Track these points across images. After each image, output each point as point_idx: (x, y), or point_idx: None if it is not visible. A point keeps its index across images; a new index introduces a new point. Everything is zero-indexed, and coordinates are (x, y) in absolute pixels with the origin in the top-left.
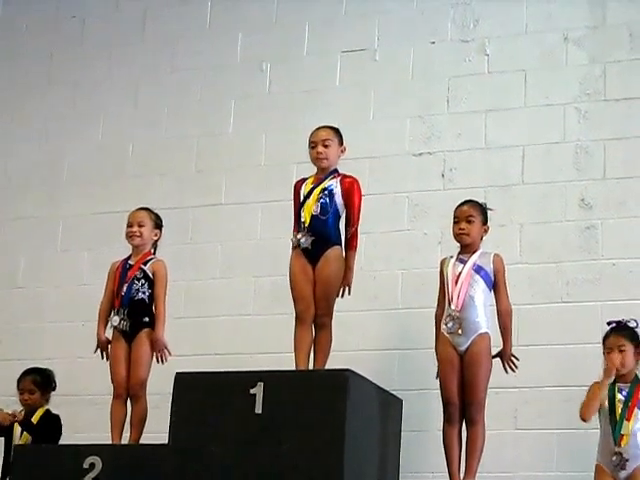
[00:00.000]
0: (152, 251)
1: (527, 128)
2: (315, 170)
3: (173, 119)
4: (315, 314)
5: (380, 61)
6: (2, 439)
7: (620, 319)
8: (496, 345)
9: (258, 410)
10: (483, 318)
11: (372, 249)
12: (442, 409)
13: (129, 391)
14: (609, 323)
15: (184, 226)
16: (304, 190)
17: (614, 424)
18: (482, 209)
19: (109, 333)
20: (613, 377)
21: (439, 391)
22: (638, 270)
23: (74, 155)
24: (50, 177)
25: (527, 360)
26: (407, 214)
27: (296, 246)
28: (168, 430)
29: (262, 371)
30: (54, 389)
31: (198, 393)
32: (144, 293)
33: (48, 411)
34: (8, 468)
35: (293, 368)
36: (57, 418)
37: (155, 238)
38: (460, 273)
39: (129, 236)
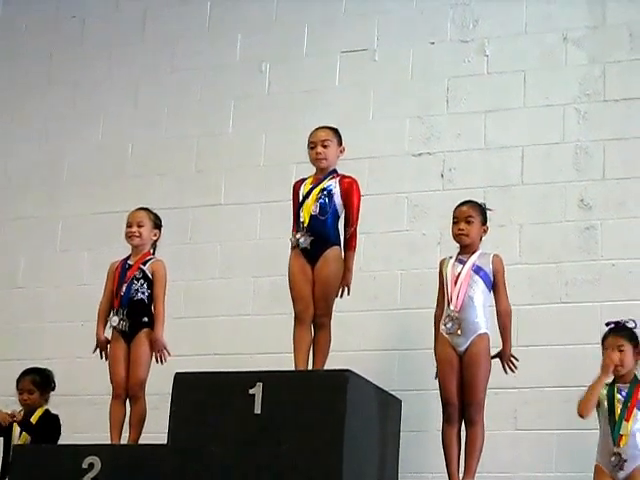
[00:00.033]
0: (151, 251)
1: (527, 128)
2: (314, 170)
3: (173, 119)
4: (314, 314)
5: (379, 61)
6: (1, 439)
7: (618, 320)
8: (495, 345)
9: (257, 410)
10: (482, 318)
11: (371, 249)
12: (441, 409)
13: (128, 391)
14: (608, 324)
15: (183, 226)
16: (303, 190)
17: (613, 424)
18: (481, 209)
19: (108, 333)
20: (610, 373)
21: (438, 391)
22: (637, 271)
23: (74, 155)
24: (50, 177)
25: (527, 360)
26: (406, 214)
27: (295, 246)
28: (167, 430)
29: (261, 371)
30: (53, 389)
31: (197, 393)
32: (143, 293)
33: (47, 411)
34: (7, 468)
35: (292, 368)
36: (56, 418)
37: (154, 238)
38: (459, 274)
39: (128, 236)
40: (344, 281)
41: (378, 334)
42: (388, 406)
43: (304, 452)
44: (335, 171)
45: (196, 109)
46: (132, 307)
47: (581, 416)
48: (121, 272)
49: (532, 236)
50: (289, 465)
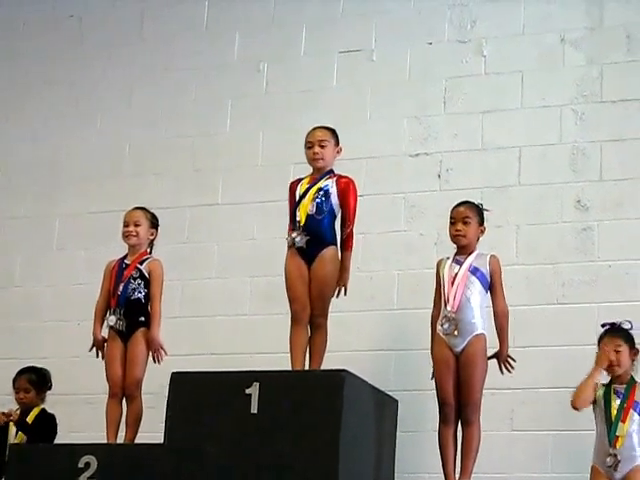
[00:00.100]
0: (148, 251)
1: (524, 129)
2: (311, 170)
3: (170, 119)
4: (310, 314)
5: (377, 62)
6: None
7: (614, 321)
8: (492, 346)
9: (254, 410)
10: (479, 319)
11: (368, 250)
12: (438, 410)
13: (125, 390)
14: (603, 325)
15: (180, 226)
16: (300, 190)
17: (609, 425)
18: (478, 210)
19: (105, 332)
20: (604, 366)
21: (435, 392)
22: (634, 272)
23: (71, 154)
24: (47, 176)
25: (523, 361)
26: (403, 215)
27: (291, 245)
28: (163, 430)
29: (258, 371)
30: (50, 388)
31: (194, 393)
32: (140, 293)
33: (43, 410)
34: (3, 467)
35: (289, 368)
36: (52, 417)
37: (151, 238)
38: (456, 274)
39: (125, 236)
40: (341, 281)
41: (375, 334)
42: (384, 406)
43: (300, 452)
44: (332, 171)
45: (193, 109)
46: (129, 306)
47: (575, 408)
48: (118, 271)
49: (529, 237)
50: (285, 465)
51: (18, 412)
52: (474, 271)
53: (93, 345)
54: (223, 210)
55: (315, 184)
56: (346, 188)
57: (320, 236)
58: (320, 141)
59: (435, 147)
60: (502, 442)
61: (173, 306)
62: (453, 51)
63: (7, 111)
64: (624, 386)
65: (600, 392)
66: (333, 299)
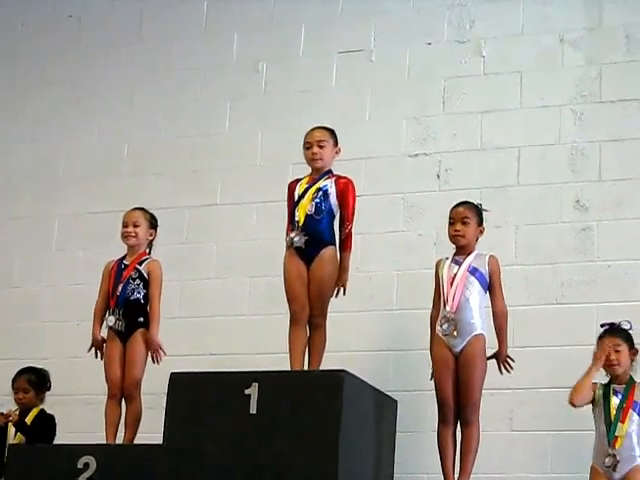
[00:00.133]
0: (147, 251)
1: (523, 129)
2: (310, 171)
3: (169, 119)
4: (309, 314)
5: (376, 62)
6: None
7: (613, 321)
8: (491, 346)
9: (253, 410)
10: (478, 319)
11: (368, 250)
12: (437, 410)
13: (124, 391)
14: (603, 325)
15: (179, 226)
16: (299, 190)
17: (608, 426)
18: (477, 210)
19: (104, 333)
20: (602, 362)
21: (434, 392)
22: (633, 272)
23: (70, 154)
24: (46, 176)
25: (522, 361)
26: (402, 215)
27: (290, 245)
28: (163, 430)
29: (257, 371)
30: (49, 389)
31: (193, 393)
32: (139, 293)
33: (42, 411)
34: (2, 468)
35: (288, 368)
36: (51, 418)
37: (150, 238)
38: (455, 275)
39: (124, 236)
40: (340, 281)
41: (374, 334)
42: (384, 406)
43: (300, 452)
44: (330, 171)
45: (192, 109)
46: (128, 307)
47: (572, 405)
48: (117, 272)
49: (528, 237)
50: (285, 465)
51: (17, 413)
52: (473, 271)
53: (92, 345)
54: (222, 210)
55: (314, 184)
56: (345, 188)
57: (319, 236)
58: (319, 141)
59: (434, 147)
60: (501, 442)
61: (172, 306)
62: (452, 51)
63: (7, 111)
64: (623, 386)
65: (599, 392)
66: (332, 299)
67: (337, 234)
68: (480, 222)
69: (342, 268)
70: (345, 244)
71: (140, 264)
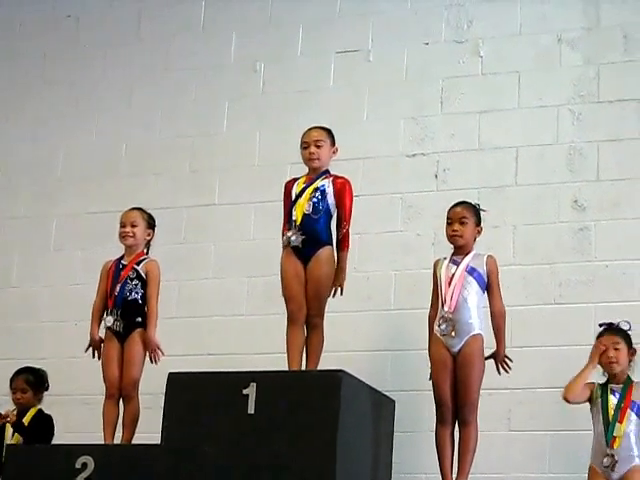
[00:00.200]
0: (145, 251)
1: (521, 129)
2: (306, 170)
3: (167, 119)
4: (307, 314)
5: (374, 62)
6: None
7: (612, 321)
8: (489, 346)
9: (251, 410)
10: (476, 319)
11: (365, 250)
12: (435, 410)
13: (121, 391)
14: (601, 325)
15: (177, 226)
16: (296, 189)
17: (606, 426)
18: (475, 210)
19: (102, 333)
20: (598, 359)
21: (432, 392)
22: (631, 272)
23: (68, 154)
24: (44, 176)
25: (520, 361)
26: (400, 215)
27: (287, 245)
28: (161, 430)
29: (255, 371)
30: (47, 389)
31: (191, 393)
32: (137, 293)
33: (40, 411)
34: (0, 468)
35: (286, 368)
36: (49, 418)
37: (148, 238)
38: (453, 275)
39: (122, 236)
40: (337, 281)
41: (372, 334)
42: (381, 406)
43: (298, 452)
44: (328, 171)
45: (190, 109)
46: (126, 307)
47: (567, 400)
48: (115, 272)
49: (526, 237)
50: (283, 465)
51: (15, 413)
52: (471, 271)
53: (90, 345)
54: (220, 210)
55: (311, 184)
56: (342, 188)
57: (316, 236)
58: (316, 141)
59: (432, 147)
60: (499, 442)
61: (170, 306)
62: (450, 51)
63: (7, 111)
64: (621, 386)
65: (597, 392)
66: (330, 299)
67: (334, 234)
68: (478, 222)
69: (339, 268)
70: (342, 244)
71: (138, 264)
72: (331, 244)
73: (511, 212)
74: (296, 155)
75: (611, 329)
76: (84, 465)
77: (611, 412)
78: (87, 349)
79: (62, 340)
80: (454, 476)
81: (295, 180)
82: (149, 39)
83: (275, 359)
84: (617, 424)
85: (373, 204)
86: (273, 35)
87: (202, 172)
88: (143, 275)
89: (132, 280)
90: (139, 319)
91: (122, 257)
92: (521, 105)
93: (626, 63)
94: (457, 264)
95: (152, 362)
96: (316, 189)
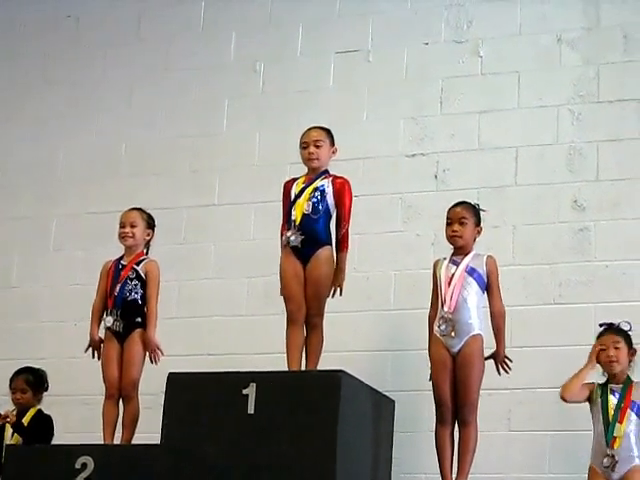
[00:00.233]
0: (145, 251)
1: (520, 129)
2: (306, 170)
3: (167, 119)
4: (306, 314)
5: (374, 62)
6: None
7: (612, 321)
8: (489, 347)
9: (250, 411)
10: (476, 320)
11: (365, 250)
12: (435, 410)
13: (121, 391)
14: (601, 325)
15: (177, 226)
16: (295, 189)
17: (606, 426)
18: (475, 210)
19: (102, 333)
20: (596, 359)
21: (432, 392)
22: (631, 272)
23: (68, 154)
24: (44, 176)
25: (520, 362)
26: (400, 215)
27: (286, 244)
28: (160, 430)
29: (255, 372)
30: (46, 389)
31: (191, 393)
32: (137, 293)
33: (40, 411)
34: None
35: (286, 369)
36: (49, 419)
37: (148, 238)
38: (453, 275)
39: (121, 237)
40: (336, 281)
41: (371, 334)
42: (381, 407)
43: (298, 452)
44: (327, 171)
45: (190, 109)
46: (126, 307)
47: (563, 399)
48: (114, 272)
49: (526, 237)
50: (282, 465)
51: (14, 413)
52: (471, 272)
53: (89, 345)
54: (220, 210)
55: (311, 184)
56: (341, 188)
57: (315, 236)
58: (315, 141)
59: (432, 147)
60: (499, 442)
61: (170, 307)
62: (450, 51)
63: (7, 111)
64: (620, 386)
65: (597, 392)
66: (330, 299)
67: (333, 234)
68: (478, 222)
69: (338, 268)
70: (342, 244)
71: (138, 264)
72: (330, 244)
73: (511, 212)
74: (296, 155)
75: (612, 329)
76: (84, 465)
77: (611, 412)
78: (87, 349)
79: (62, 340)
80: (454, 476)
81: (294, 180)
82: (149, 39)
83: (275, 359)
84: (617, 424)
85: (373, 204)
86: (273, 35)
87: (202, 172)
88: (143, 275)
89: (132, 280)
90: (139, 319)
91: (122, 257)
92: (521, 105)
93: (626, 63)
94: (457, 264)
95: (152, 362)
96: (315, 189)
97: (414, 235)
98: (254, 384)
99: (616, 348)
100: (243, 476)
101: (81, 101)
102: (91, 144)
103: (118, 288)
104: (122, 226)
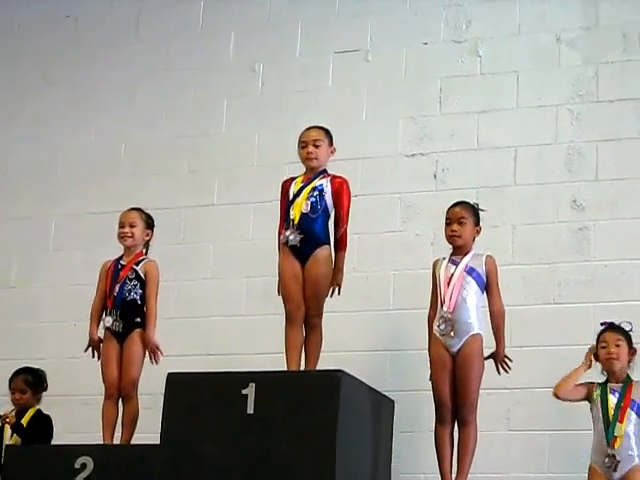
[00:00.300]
0: (144, 251)
1: (519, 129)
2: (304, 170)
3: (166, 119)
4: (305, 314)
5: (373, 62)
6: None
7: (612, 321)
8: (489, 346)
9: (250, 411)
10: (475, 319)
11: (364, 250)
12: (434, 410)
13: (121, 391)
14: (603, 324)
15: (177, 226)
16: (294, 188)
17: (607, 426)
18: (474, 210)
19: (101, 333)
20: (592, 358)
21: (431, 392)
22: (630, 272)
23: (68, 154)
24: (44, 176)
25: (520, 361)
26: (399, 215)
27: (285, 243)
28: (160, 430)
29: (254, 372)
30: (45, 389)
31: (190, 393)
32: (136, 294)
33: (39, 411)
34: None
35: (285, 368)
36: (48, 419)
37: (147, 238)
38: (452, 275)
39: (121, 237)
40: (335, 281)
41: (371, 334)
42: (381, 406)
43: (297, 452)
44: (325, 171)
45: (189, 109)
46: (125, 307)
47: (557, 397)
48: (114, 272)
49: (525, 237)
50: (282, 465)
51: (14, 414)
52: (470, 271)
53: (89, 345)
54: (219, 210)
55: (309, 183)
56: (340, 188)
57: (314, 235)
58: (314, 141)
59: (431, 147)
60: (499, 442)
61: (169, 307)
62: (449, 51)
63: (7, 111)
64: (620, 385)
65: (597, 391)
66: (329, 299)
67: (332, 234)
68: (477, 222)
69: (337, 268)
70: (340, 244)
71: (137, 264)
72: (329, 244)
73: (510, 212)
74: (295, 155)
75: (613, 327)
76: (83, 465)
77: (611, 412)
78: (86, 349)
79: (61, 340)
80: (453, 476)
81: (292, 179)
82: (149, 39)
83: (274, 359)
84: (617, 423)
85: (372, 204)
86: (272, 35)
87: (201, 172)
88: (142, 275)
89: (131, 280)
90: (138, 319)
91: (121, 257)
92: (520, 105)
93: (625, 63)
94: (456, 264)
95: (152, 362)
96: (314, 188)
97: (413, 235)
98: (253, 384)
99: (617, 346)
100: (243, 476)
101: (81, 101)
102: (91, 144)
103: (117, 288)
104: (121, 226)
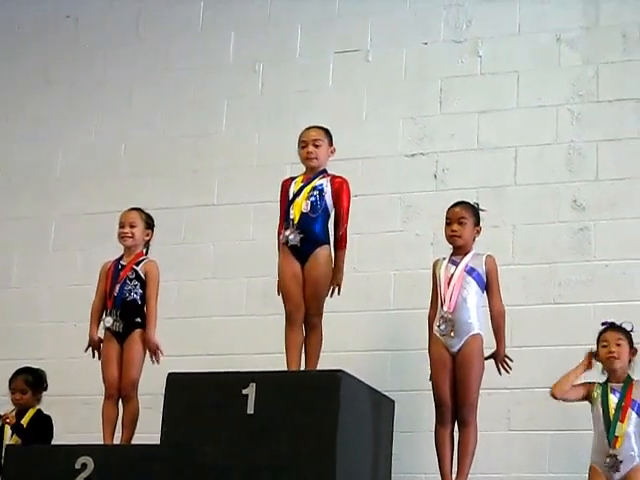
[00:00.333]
0: (144, 251)
1: (520, 129)
2: (304, 170)
3: (166, 119)
4: (305, 314)
5: (373, 62)
6: None
7: (613, 321)
8: (489, 346)
9: (250, 411)
10: (475, 319)
11: (365, 250)
12: (434, 410)
13: (121, 391)
14: (604, 324)
15: (177, 226)
16: (294, 188)
17: (608, 426)
18: (474, 210)
19: (101, 333)
20: (590, 359)
21: (431, 392)
22: (631, 271)
23: (68, 154)
24: (44, 176)
25: (520, 361)
26: (400, 215)
27: (285, 243)
28: (160, 430)
29: (254, 372)
30: (46, 389)
31: (190, 394)
32: (136, 294)
33: (39, 411)
34: None
35: (285, 368)
36: (48, 419)
37: (147, 238)
38: (452, 275)
39: (121, 237)
40: (334, 281)
41: (371, 334)
42: (381, 406)
43: (297, 452)
44: (325, 171)
45: (190, 109)
46: (125, 308)
47: (553, 396)
48: (114, 272)
49: (525, 237)
50: (282, 465)
51: (14, 414)
52: (470, 271)
53: (89, 345)
54: (219, 211)
55: (309, 183)
56: (340, 188)
57: (314, 235)
58: (314, 140)
59: (431, 147)
60: (499, 442)
61: (169, 307)
62: (449, 51)
63: (7, 111)
64: (621, 385)
65: (597, 391)
66: (329, 299)
67: (332, 233)
68: (477, 222)
69: (337, 268)
70: (340, 243)
71: (137, 264)
72: (329, 243)
73: (510, 212)
74: (295, 155)
75: (614, 327)
76: (84, 465)
77: (612, 411)
78: (86, 349)
79: (61, 340)
80: (454, 476)
81: (292, 179)
82: (149, 39)
83: (274, 359)
84: (618, 423)
85: (372, 204)
86: (272, 35)
87: (201, 172)
88: (142, 275)
89: (131, 280)
90: (138, 319)
91: (121, 257)
92: (520, 105)
93: (625, 63)
94: (456, 264)
95: (153, 362)
96: (314, 188)
97: (413, 235)
98: (254, 384)
99: (618, 345)
100: (243, 476)
101: (81, 101)
102: (91, 144)
103: (117, 288)
104: (121, 226)
